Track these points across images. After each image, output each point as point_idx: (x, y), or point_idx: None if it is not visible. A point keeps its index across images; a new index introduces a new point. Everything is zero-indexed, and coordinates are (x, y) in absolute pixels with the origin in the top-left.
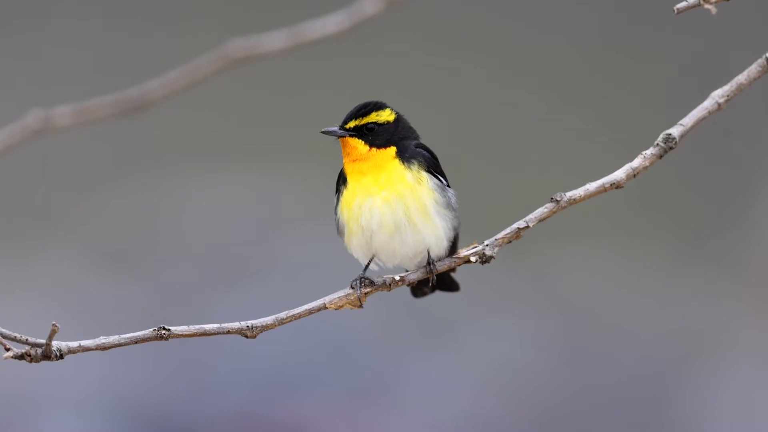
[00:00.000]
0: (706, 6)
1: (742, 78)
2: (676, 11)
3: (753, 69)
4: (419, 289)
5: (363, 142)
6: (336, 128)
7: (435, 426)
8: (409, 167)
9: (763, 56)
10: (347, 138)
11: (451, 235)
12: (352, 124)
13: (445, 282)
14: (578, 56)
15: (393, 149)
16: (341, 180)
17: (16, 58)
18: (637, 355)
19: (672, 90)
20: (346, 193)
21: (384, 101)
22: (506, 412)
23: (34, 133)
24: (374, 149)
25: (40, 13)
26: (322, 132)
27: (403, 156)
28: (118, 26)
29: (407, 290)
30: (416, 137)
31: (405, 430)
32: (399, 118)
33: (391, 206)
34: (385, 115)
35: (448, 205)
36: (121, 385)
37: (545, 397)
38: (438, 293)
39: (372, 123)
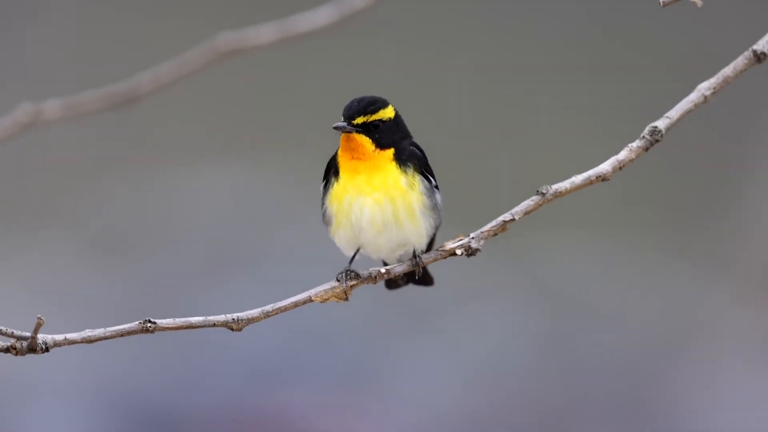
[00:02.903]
0: None
1: (728, 71)
2: (661, 4)
3: (739, 62)
4: (393, 281)
5: (370, 140)
6: (345, 123)
7: (422, 415)
8: (405, 171)
9: (750, 49)
10: (354, 134)
11: (431, 232)
12: (360, 120)
13: (422, 276)
14: (564, 49)
15: (392, 151)
16: (332, 170)
17: (5, 51)
18: (624, 345)
19: (658, 82)
20: (337, 187)
21: (381, 96)
22: (493, 401)
23: (23, 128)
24: (378, 150)
25: (29, 7)
26: (334, 128)
27: (400, 158)
28: (108, 20)
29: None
30: (409, 135)
31: (392, 420)
32: (397, 115)
33: (382, 207)
34: (389, 112)
35: (434, 207)
36: (108, 376)
37: (532, 386)
38: (411, 286)
39: (378, 120)
